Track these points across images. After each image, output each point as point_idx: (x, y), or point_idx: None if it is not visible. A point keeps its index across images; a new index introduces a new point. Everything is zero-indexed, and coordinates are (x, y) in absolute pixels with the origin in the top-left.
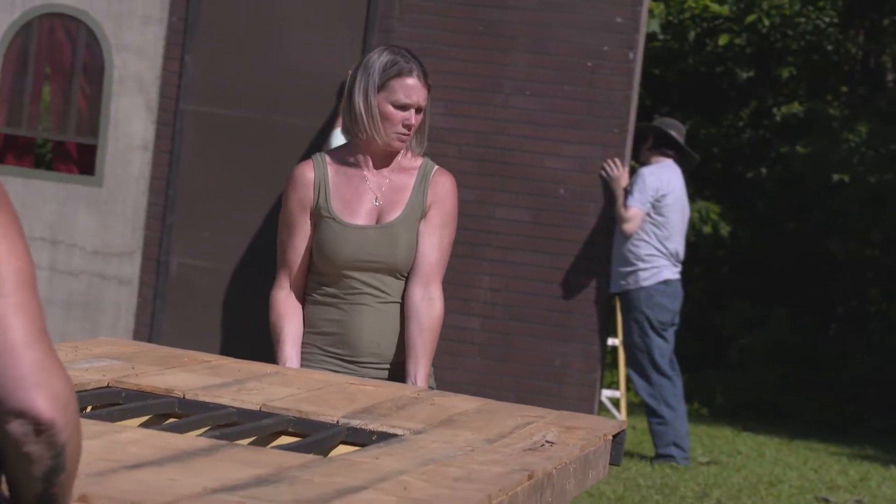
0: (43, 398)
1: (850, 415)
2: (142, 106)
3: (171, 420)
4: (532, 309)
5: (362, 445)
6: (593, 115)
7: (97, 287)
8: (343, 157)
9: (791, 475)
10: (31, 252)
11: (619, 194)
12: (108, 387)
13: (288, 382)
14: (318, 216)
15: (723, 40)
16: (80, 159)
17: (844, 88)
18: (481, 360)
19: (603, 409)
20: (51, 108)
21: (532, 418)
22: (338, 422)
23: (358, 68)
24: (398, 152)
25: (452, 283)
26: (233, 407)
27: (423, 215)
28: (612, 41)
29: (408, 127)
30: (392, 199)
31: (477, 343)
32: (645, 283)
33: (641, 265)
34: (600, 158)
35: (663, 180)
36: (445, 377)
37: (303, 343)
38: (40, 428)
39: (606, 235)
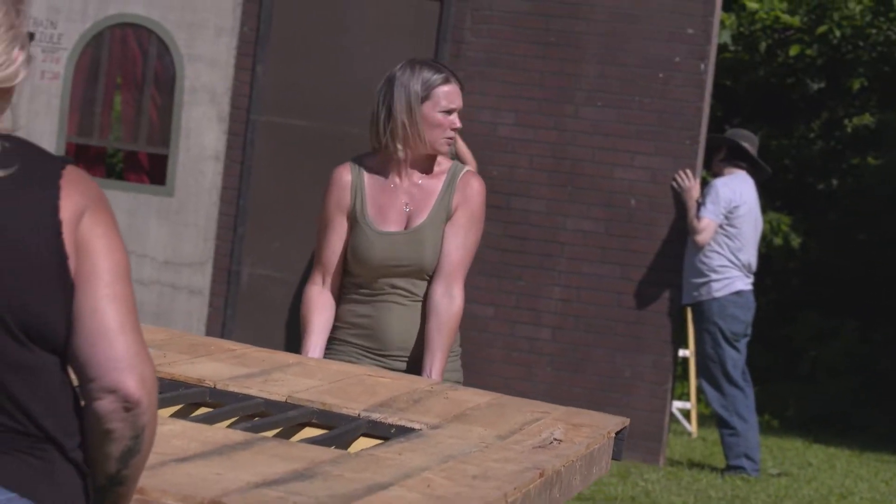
0: (133, 379)
1: None
2: (213, 116)
3: (204, 410)
4: (603, 320)
5: (383, 438)
6: (664, 125)
7: (168, 297)
8: (377, 163)
9: (862, 487)
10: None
11: (691, 205)
12: None
13: (310, 373)
14: (354, 220)
15: (794, 51)
16: (152, 169)
17: None
18: (552, 371)
19: (674, 421)
20: (122, 118)
21: (540, 414)
22: (359, 415)
23: (389, 85)
24: (436, 157)
25: (523, 294)
26: (260, 398)
27: (449, 217)
28: (684, 52)
29: (454, 130)
30: (421, 203)
31: (548, 354)
32: (717, 295)
33: (714, 276)
34: (671, 169)
35: (736, 192)
36: (516, 387)
37: (335, 338)
38: (128, 405)
39: (677, 246)
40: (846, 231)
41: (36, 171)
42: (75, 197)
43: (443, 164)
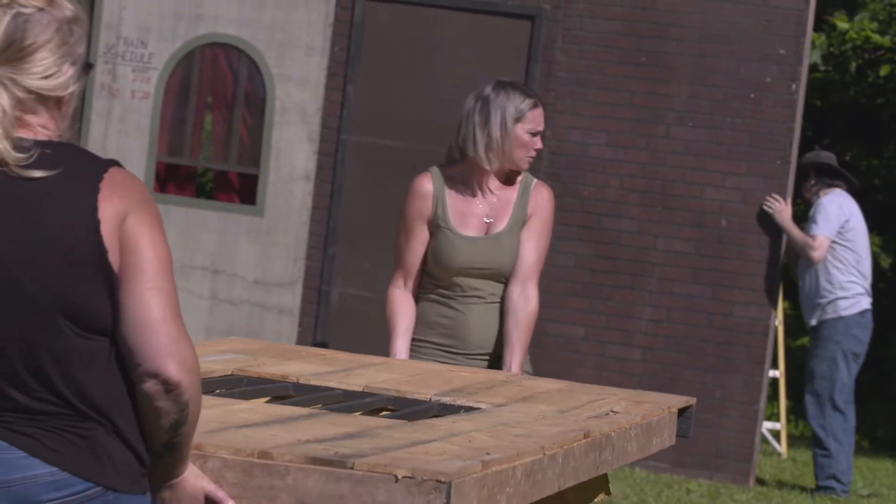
0: (174, 364)
1: None
2: (304, 136)
3: (287, 400)
4: (693, 340)
5: None
6: (756, 146)
7: (258, 316)
8: (457, 173)
9: None
10: (169, 244)
11: (788, 226)
12: (231, 374)
13: (392, 369)
14: (436, 226)
15: (884, 71)
16: (242, 189)
17: None
18: (642, 391)
19: (763, 441)
20: (212, 138)
21: (606, 395)
22: (430, 399)
23: (483, 104)
24: (517, 172)
25: (614, 315)
26: (339, 389)
27: (524, 223)
28: (775, 72)
29: (537, 150)
30: (499, 212)
31: (637, 374)
32: (844, 313)
33: (841, 294)
34: (762, 190)
35: (844, 207)
36: None
37: (417, 338)
38: (169, 387)
39: (768, 267)
40: None
41: (78, 174)
42: (115, 199)
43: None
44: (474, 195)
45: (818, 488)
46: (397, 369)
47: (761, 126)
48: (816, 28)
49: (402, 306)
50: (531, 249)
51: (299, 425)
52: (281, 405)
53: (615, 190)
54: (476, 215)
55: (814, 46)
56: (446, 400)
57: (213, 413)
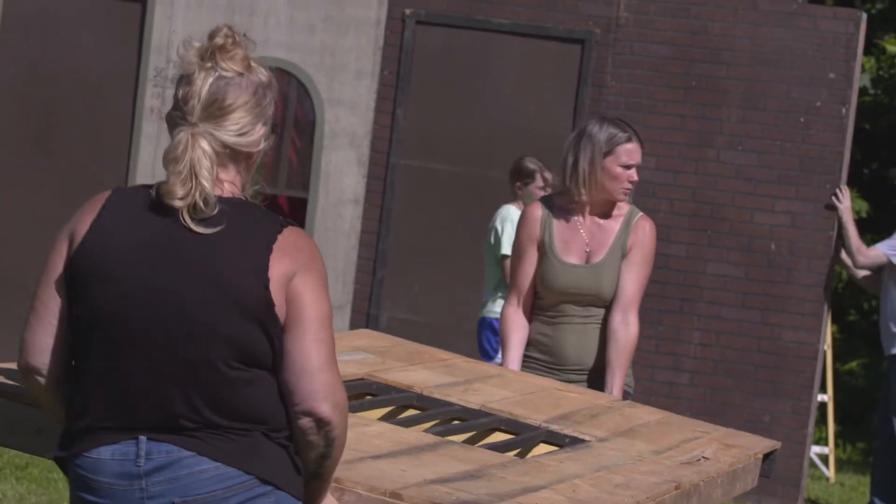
0: (327, 406)
1: None
2: (353, 160)
3: (411, 412)
4: (742, 365)
5: (557, 446)
6: (805, 170)
7: None
8: (564, 203)
9: None
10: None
11: (848, 220)
12: (362, 379)
13: (507, 385)
14: (543, 251)
15: None
16: (291, 213)
17: None
18: (690, 415)
19: (812, 466)
20: (262, 162)
21: (700, 433)
22: (540, 425)
23: (579, 138)
24: (615, 203)
25: (663, 339)
26: (459, 405)
27: (625, 255)
28: (825, 96)
29: (631, 182)
30: (600, 242)
31: (686, 398)
32: None
33: None
34: (812, 214)
35: None
36: None
37: (524, 353)
38: (321, 425)
39: (817, 291)
40: None
41: (255, 233)
42: (285, 260)
43: (621, 208)
44: (577, 224)
45: None
46: (511, 385)
47: (811, 150)
48: (866, 52)
49: (515, 322)
50: (632, 280)
51: (425, 458)
52: (408, 431)
53: (665, 214)
54: (578, 243)
55: (863, 70)
56: (554, 427)
57: (349, 436)
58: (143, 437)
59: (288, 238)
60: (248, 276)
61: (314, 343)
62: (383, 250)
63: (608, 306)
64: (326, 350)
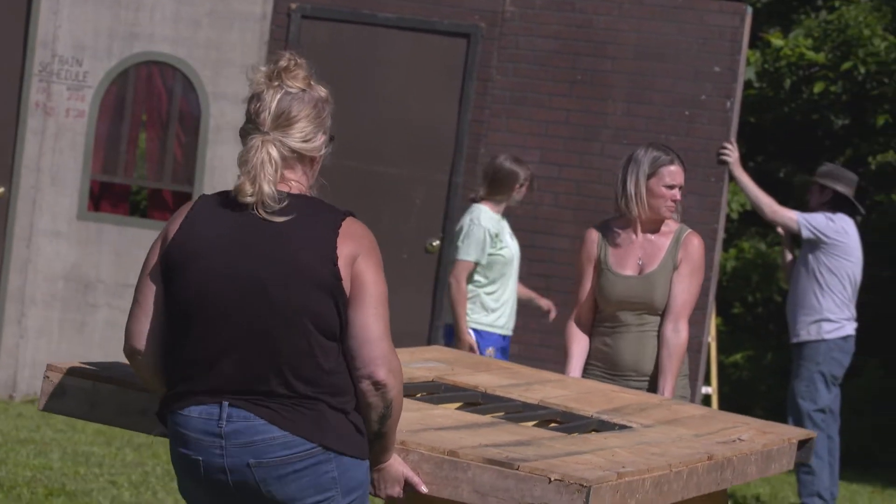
0: (384, 371)
1: None
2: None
3: (476, 407)
4: None
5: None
6: (690, 163)
7: None
8: (617, 224)
9: None
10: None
11: (740, 174)
12: (432, 381)
13: (565, 386)
14: (600, 268)
15: (818, 88)
16: (176, 207)
17: None
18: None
19: None
20: (147, 156)
21: (740, 423)
22: (592, 416)
23: (628, 162)
24: (664, 220)
25: (548, 332)
26: (519, 401)
27: (675, 268)
28: (710, 90)
29: (674, 201)
30: (652, 256)
31: None
32: (827, 336)
33: (829, 316)
34: (697, 208)
35: (843, 228)
36: None
37: (587, 362)
38: (378, 387)
39: (703, 285)
40: (870, 268)
41: (322, 221)
42: (349, 243)
43: (671, 225)
44: (631, 240)
45: None
46: (569, 386)
47: (696, 143)
48: (751, 45)
49: (575, 335)
50: (682, 291)
51: (482, 431)
52: (469, 412)
53: (549, 207)
54: (632, 258)
55: (748, 63)
56: (605, 417)
57: (416, 416)
58: (225, 402)
59: (350, 225)
60: (318, 256)
61: (374, 317)
62: None
63: (661, 315)
64: (384, 323)
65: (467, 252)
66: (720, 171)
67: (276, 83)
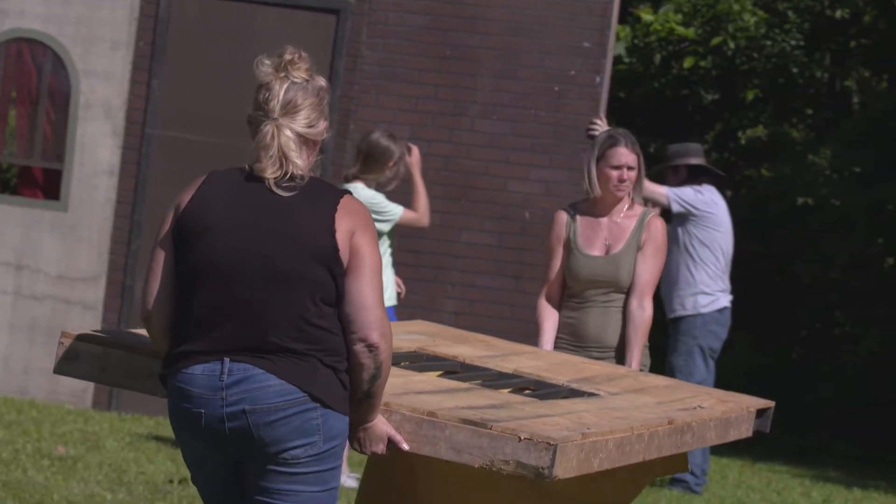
0: (377, 334)
1: (813, 437)
2: (108, 131)
3: (455, 375)
4: (496, 332)
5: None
6: (559, 138)
7: (61, 312)
8: (585, 207)
9: (754, 497)
10: None
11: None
12: (415, 351)
13: (538, 358)
14: (569, 248)
15: (688, 63)
16: (46, 184)
17: (810, 111)
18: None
19: None
20: (16, 133)
21: (702, 393)
22: (563, 384)
23: (589, 148)
24: (620, 200)
25: (417, 307)
26: (495, 370)
27: (640, 248)
28: (579, 66)
29: (621, 181)
30: (617, 237)
31: None
32: (703, 310)
33: (703, 289)
34: (566, 183)
35: (709, 202)
36: None
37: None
38: (371, 349)
39: None
40: (740, 243)
41: (322, 198)
42: (347, 218)
43: (636, 208)
44: (598, 222)
45: (672, 482)
46: (542, 358)
47: (565, 119)
48: (621, 20)
49: (546, 311)
50: (646, 270)
51: (459, 396)
52: (448, 379)
53: None
54: (599, 238)
55: (618, 39)
56: (575, 386)
57: (399, 381)
58: (227, 359)
59: (348, 202)
60: (318, 229)
61: (369, 285)
62: (138, 221)
63: (626, 293)
64: (378, 292)
65: None
66: (589, 145)
67: (283, 74)
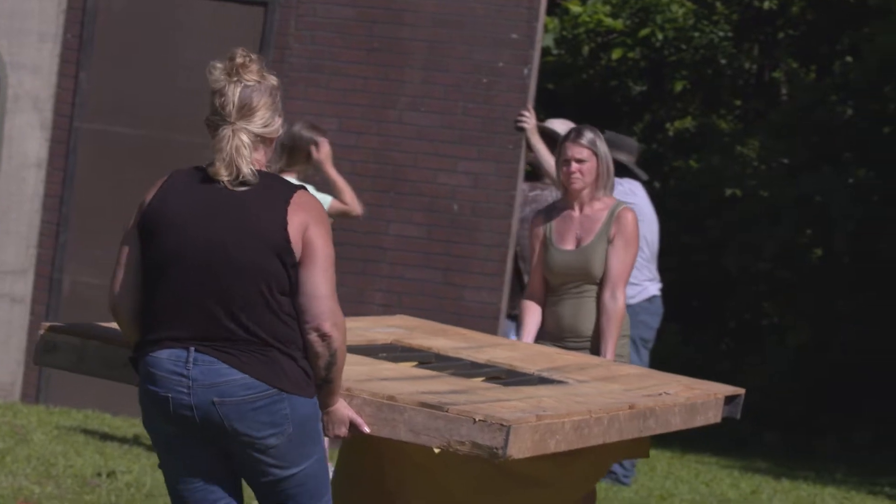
0: (329, 324)
1: (741, 429)
2: (36, 124)
3: (428, 365)
4: None
5: None
6: (488, 131)
7: None
8: (560, 203)
9: (682, 489)
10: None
11: (536, 141)
12: (391, 343)
13: (514, 349)
14: (545, 244)
15: (616, 54)
16: None
17: (738, 102)
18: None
19: None
20: None
21: (672, 381)
22: (533, 372)
23: None
24: (579, 191)
25: (345, 301)
26: (468, 360)
27: (610, 241)
28: (508, 57)
29: (571, 173)
30: (588, 230)
31: None
32: (631, 301)
33: (630, 280)
34: (494, 175)
35: (629, 193)
36: None
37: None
38: (324, 338)
39: (499, 251)
40: (668, 234)
41: (276, 193)
42: (300, 213)
43: (607, 201)
44: (571, 217)
45: None
46: (518, 349)
47: (494, 111)
48: (549, 12)
49: (529, 308)
50: (617, 261)
51: (422, 382)
52: (418, 368)
53: (347, 175)
54: (571, 232)
55: (546, 30)
56: (546, 374)
57: (365, 370)
58: (192, 348)
59: (301, 197)
60: (271, 223)
61: (323, 277)
62: (66, 214)
63: (600, 284)
64: (331, 282)
65: None
66: (518, 137)
67: (235, 78)
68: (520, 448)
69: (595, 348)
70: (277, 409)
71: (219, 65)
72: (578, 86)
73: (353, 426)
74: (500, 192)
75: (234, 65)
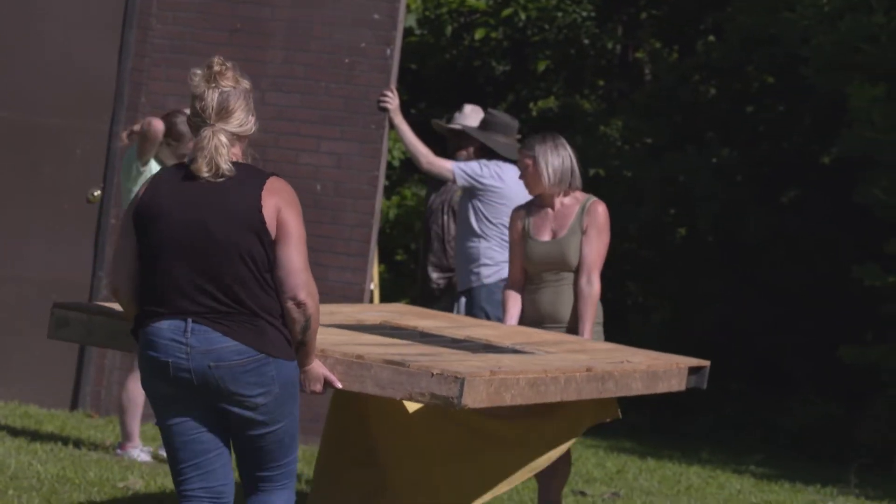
0: (304, 293)
1: None
2: None
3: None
4: None
5: None
6: (350, 111)
7: None
8: (537, 199)
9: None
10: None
11: (398, 122)
12: (380, 324)
13: (495, 329)
14: (524, 237)
15: (479, 34)
16: None
17: (602, 83)
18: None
19: None
20: None
21: (640, 354)
22: (508, 346)
23: None
24: (533, 189)
25: None
26: (448, 337)
27: (584, 231)
28: (370, 38)
29: (521, 177)
30: (562, 223)
31: None
32: (487, 281)
33: (486, 261)
34: (357, 155)
35: (493, 174)
36: None
37: None
38: (299, 305)
39: (364, 231)
40: None
41: (251, 180)
42: (273, 196)
43: (579, 196)
44: (546, 212)
45: None
46: (499, 329)
47: (356, 91)
48: None
49: (511, 297)
50: (591, 250)
51: (397, 347)
52: (393, 339)
53: None
54: (546, 226)
55: (409, 10)
56: (518, 347)
57: (344, 338)
58: (189, 319)
59: (274, 183)
60: (248, 206)
61: (296, 253)
62: None
63: (576, 272)
64: (304, 257)
65: None
66: (381, 118)
67: (213, 84)
68: (474, 398)
69: (573, 332)
70: (265, 371)
71: (198, 72)
72: (441, 66)
73: (327, 383)
74: (363, 173)
75: (212, 72)
